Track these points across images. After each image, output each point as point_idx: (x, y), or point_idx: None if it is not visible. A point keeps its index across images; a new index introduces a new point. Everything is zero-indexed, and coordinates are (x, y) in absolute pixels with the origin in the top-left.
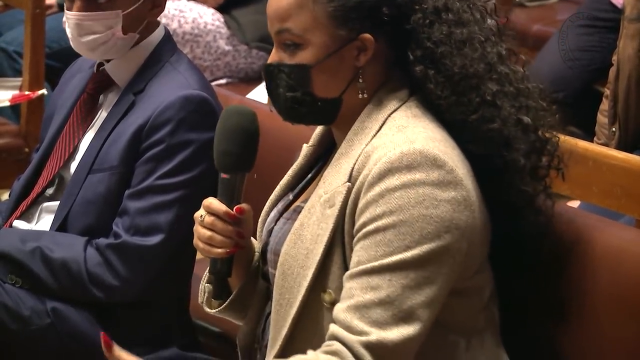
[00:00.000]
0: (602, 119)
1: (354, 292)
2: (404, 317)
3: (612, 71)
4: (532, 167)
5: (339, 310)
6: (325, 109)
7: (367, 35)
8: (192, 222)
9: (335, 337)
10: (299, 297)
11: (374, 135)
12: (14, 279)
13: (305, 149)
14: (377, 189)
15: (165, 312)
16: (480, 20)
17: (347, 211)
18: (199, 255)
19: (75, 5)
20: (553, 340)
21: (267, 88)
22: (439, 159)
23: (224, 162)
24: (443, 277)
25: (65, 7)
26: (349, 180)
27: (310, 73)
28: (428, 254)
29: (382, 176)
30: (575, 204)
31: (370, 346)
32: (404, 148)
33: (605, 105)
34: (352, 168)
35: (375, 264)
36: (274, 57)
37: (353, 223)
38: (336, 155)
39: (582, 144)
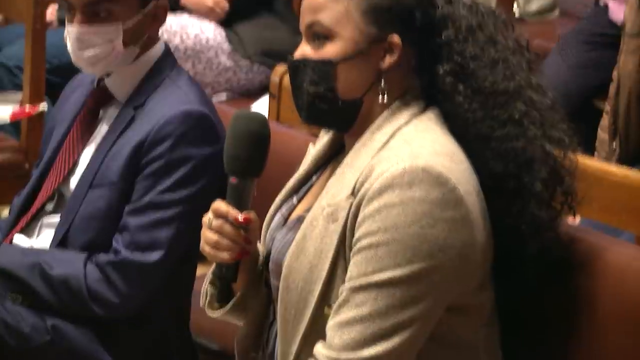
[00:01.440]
0: (602, 134)
1: (341, 308)
2: (384, 335)
3: (613, 87)
4: (547, 196)
5: (327, 326)
6: (344, 111)
7: (396, 38)
8: (193, 238)
9: (314, 353)
10: (307, 313)
11: (381, 148)
12: (14, 297)
13: (313, 151)
14: (376, 204)
15: (165, 328)
16: (514, 48)
17: (348, 225)
18: (198, 272)
19: (76, 19)
20: (555, 356)
21: (291, 84)
22: (441, 176)
23: (233, 166)
24: (433, 296)
25: (66, 21)
26: (352, 194)
27: (335, 69)
28: (418, 273)
29: (382, 191)
30: (575, 220)
31: None
32: (407, 164)
33: (605, 121)
34: (356, 181)
35: (363, 280)
36: (300, 52)
37: (352, 237)
38: (342, 164)
39: (582, 159)
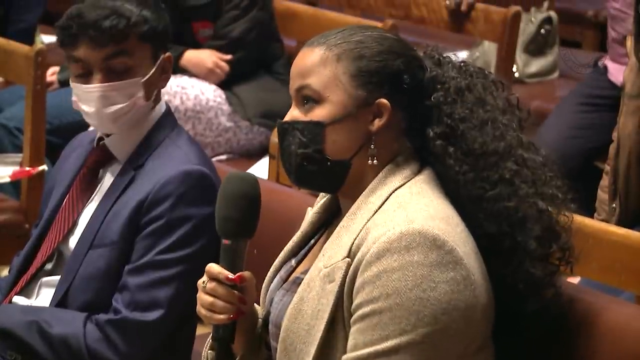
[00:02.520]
0: (602, 195)
1: None
2: None
3: (613, 147)
4: (543, 254)
5: None
6: (333, 171)
7: (385, 101)
8: (192, 297)
9: None
10: None
11: (376, 211)
12: (13, 355)
13: (310, 214)
14: (375, 269)
15: None
16: (504, 107)
17: (346, 289)
18: (198, 331)
19: (96, 78)
20: None
21: (280, 146)
22: (438, 238)
23: (225, 228)
24: (440, 358)
25: (74, 83)
26: (348, 256)
27: (324, 131)
28: (423, 338)
29: (380, 256)
30: (575, 280)
31: None
32: (403, 228)
33: (605, 181)
34: (352, 243)
35: (371, 349)
36: (289, 115)
37: (351, 301)
38: (338, 227)
39: (582, 220)
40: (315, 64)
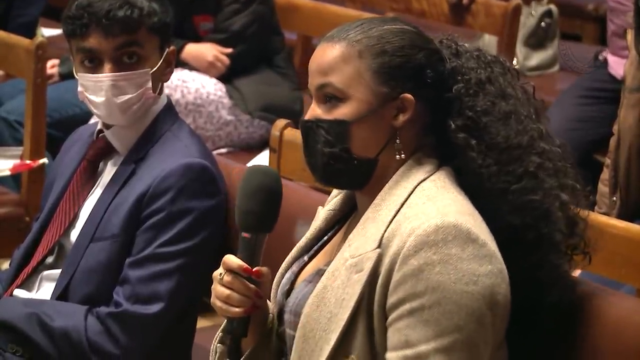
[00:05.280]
0: (602, 188)
1: None
2: None
3: (613, 141)
4: (566, 245)
5: None
6: (360, 169)
7: (408, 96)
8: (193, 291)
9: None
10: None
11: (403, 203)
12: (14, 348)
13: (323, 212)
14: (415, 263)
15: None
16: (522, 98)
17: (380, 281)
18: (199, 324)
19: (107, 68)
20: None
21: (304, 145)
22: (472, 232)
23: (246, 221)
24: (486, 353)
25: (83, 73)
26: (378, 247)
27: (349, 129)
28: (477, 333)
29: (418, 249)
30: (575, 272)
31: None
32: (439, 221)
33: (606, 174)
34: (382, 235)
35: (430, 347)
36: (312, 113)
37: (385, 294)
38: (362, 219)
39: (583, 213)
40: (337, 61)
